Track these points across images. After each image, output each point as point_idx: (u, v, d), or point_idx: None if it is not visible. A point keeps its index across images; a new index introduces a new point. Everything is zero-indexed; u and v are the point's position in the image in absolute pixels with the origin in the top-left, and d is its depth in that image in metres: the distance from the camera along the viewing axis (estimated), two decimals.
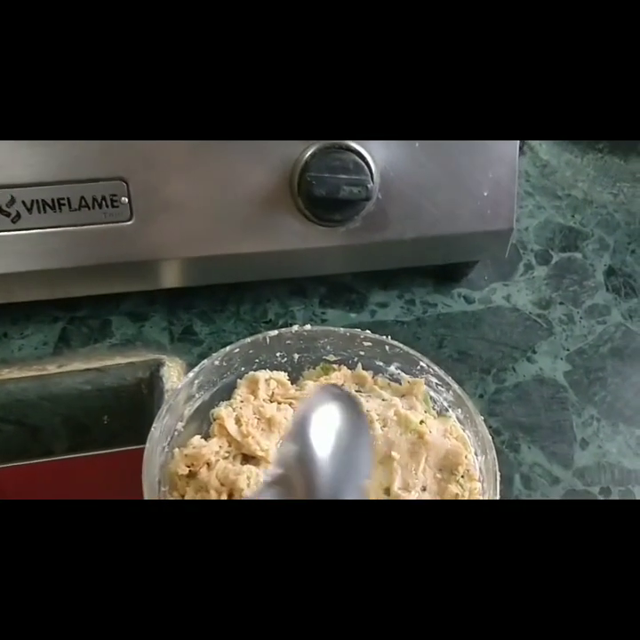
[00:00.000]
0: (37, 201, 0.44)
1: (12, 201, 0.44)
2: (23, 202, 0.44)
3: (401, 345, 0.41)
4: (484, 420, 0.39)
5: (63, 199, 0.44)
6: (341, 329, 0.42)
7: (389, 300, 0.55)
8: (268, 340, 0.41)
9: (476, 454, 0.38)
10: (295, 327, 0.41)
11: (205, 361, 0.39)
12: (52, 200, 0.44)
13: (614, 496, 0.45)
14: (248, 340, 0.40)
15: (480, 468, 0.37)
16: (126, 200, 0.45)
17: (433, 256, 0.53)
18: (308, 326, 0.42)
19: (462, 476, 0.37)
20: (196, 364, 0.49)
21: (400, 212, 0.49)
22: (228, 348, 0.40)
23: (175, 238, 0.47)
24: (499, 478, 0.35)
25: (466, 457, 0.37)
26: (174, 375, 0.48)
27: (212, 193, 0.46)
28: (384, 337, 0.42)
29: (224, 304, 0.53)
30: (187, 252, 0.48)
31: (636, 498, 0.45)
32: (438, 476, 0.37)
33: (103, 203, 0.45)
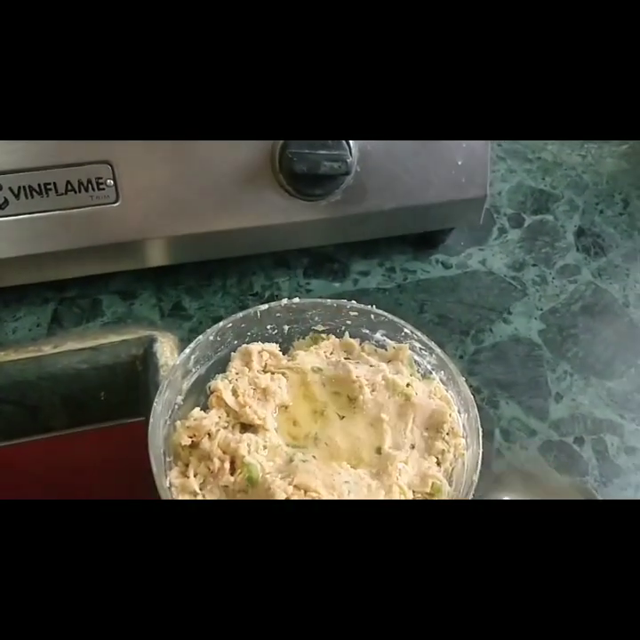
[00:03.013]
0: (24, 187, 0.45)
1: None
2: (10, 188, 0.45)
3: (385, 313, 0.43)
4: (465, 380, 0.41)
5: (50, 184, 0.45)
6: (328, 300, 0.44)
7: (371, 269, 0.57)
8: (258, 314, 0.42)
9: (459, 412, 0.40)
10: (284, 300, 0.43)
11: (200, 337, 0.41)
12: (39, 185, 0.45)
13: (587, 445, 0.48)
14: (240, 314, 0.42)
15: (463, 425, 0.39)
16: (112, 182, 0.46)
17: (411, 225, 0.55)
18: (296, 299, 0.43)
19: (447, 433, 0.39)
20: (187, 339, 0.51)
21: (378, 184, 0.50)
22: (221, 324, 0.42)
23: (161, 217, 0.48)
24: (481, 434, 0.38)
25: (450, 415, 0.39)
26: (167, 350, 0.50)
27: (195, 172, 0.47)
28: (369, 306, 0.44)
29: (211, 279, 0.55)
30: (172, 231, 0.49)
31: (607, 445, 0.48)
32: (425, 434, 0.39)
33: (89, 186, 0.46)
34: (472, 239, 0.60)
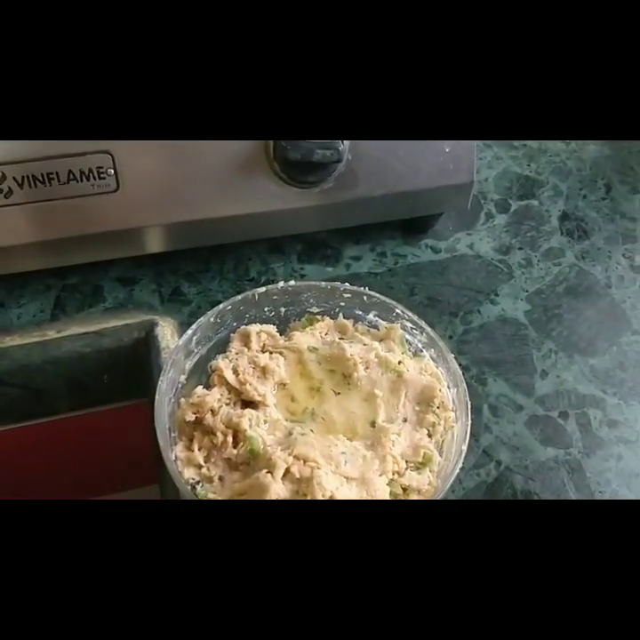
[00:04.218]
0: (28, 176, 0.46)
1: (4, 177, 0.46)
2: (14, 178, 0.46)
3: (377, 294, 0.45)
4: (454, 358, 0.43)
5: (52, 173, 0.47)
6: (323, 283, 0.46)
7: (362, 254, 0.59)
8: (256, 297, 0.44)
9: (448, 387, 0.42)
10: (281, 283, 0.45)
11: (201, 319, 0.43)
12: (42, 175, 0.47)
13: (571, 418, 0.50)
14: (238, 297, 0.44)
15: (453, 399, 0.41)
16: (112, 171, 0.48)
17: (400, 210, 0.57)
18: (292, 282, 0.45)
19: (438, 407, 0.41)
20: (187, 323, 0.53)
21: (369, 171, 0.52)
22: (220, 306, 0.43)
23: (160, 205, 0.50)
24: (469, 407, 0.40)
25: (440, 390, 0.41)
26: (168, 334, 0.51)
27: (193, 161, 0.49)
28: (362, 288, 0.45)
29: (208, 265, 0.57)
30: (171, 218, 0.51)
31: (590, 418, 0.50)
32: (417, 408, 0.41)
33: (91, 175, 0.47)
34: (460, 224, 0.62)
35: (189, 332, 0.42)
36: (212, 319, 0.43)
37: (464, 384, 0.41)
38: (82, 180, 0.47)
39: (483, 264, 0.60)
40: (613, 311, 0.57)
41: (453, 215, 0.62)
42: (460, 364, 0.43)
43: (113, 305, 0.53)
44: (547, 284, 0.59)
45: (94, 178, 0.48)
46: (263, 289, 0.44)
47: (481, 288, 0.58)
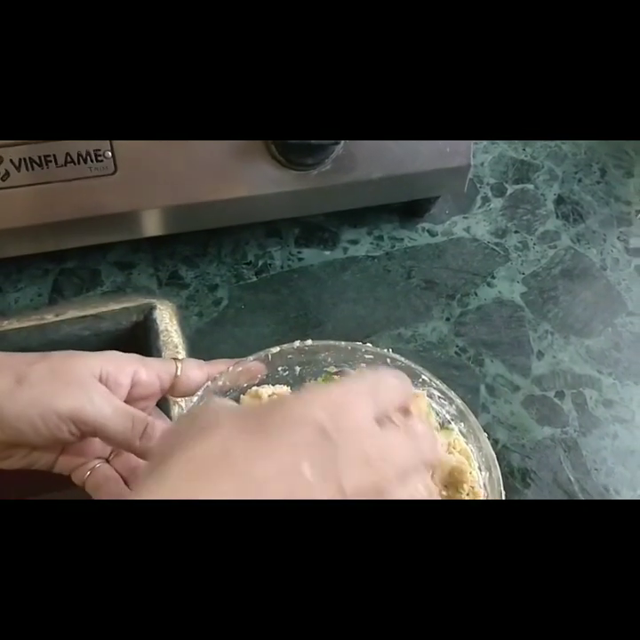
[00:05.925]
0: (25, 159, 0.46)
1: (1, 160, 0.46)
2: (11, 160, 0.46)
3: (402, 358, 0.40)
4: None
5: (50, 156, 0.47)
6: (342, 343, 0.41)
7: (360, 237, 0.59)
8: (269, 357, 0.40)
9: (479, 469, 0.38)
10: (296, 343, 0.40)
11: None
12: (39, 157, 0.46)
13: (567, 398, 0.51)
14: (250, 357, 0.39)
15: (484, 484, 0.37)
16: (110, 154, 0.48)
17: (398, 193, 0.57)
18: (308, 341, 0.40)
19: (467, 494, 0.37)
20: (185, 306, 0.53)
21: (366, 154, 0.52)
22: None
23: (157, 188, 0.50)
24: (503, 496, 0.35)
25: (470, 473, 0.37)
26: (166, 317, 0.51)
27: (191, 143, 0.49)
28: (385, 350, 0.40)
29: (206, 248, 0.57)
30: (168, 201, 0.51)
31: (586, 398, 0.51)
32: (444, 493, 0.37)
33: (88, 158, 0.47)
34: (456, 208, 0.62)
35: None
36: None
37: (498, 470, 0.36)
38: (79, 163, 0.47)
39: (479, 247, 0.60)
40: (608, 293, 0.58)
41: (450, 199, 0.62)
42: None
43: (111, 289, 0.53)
44: (543, 267, 0.59)
45: (92, 160, 0.47)
46: (277, 349, 0.40)
47: (478, 271, 0.58)
